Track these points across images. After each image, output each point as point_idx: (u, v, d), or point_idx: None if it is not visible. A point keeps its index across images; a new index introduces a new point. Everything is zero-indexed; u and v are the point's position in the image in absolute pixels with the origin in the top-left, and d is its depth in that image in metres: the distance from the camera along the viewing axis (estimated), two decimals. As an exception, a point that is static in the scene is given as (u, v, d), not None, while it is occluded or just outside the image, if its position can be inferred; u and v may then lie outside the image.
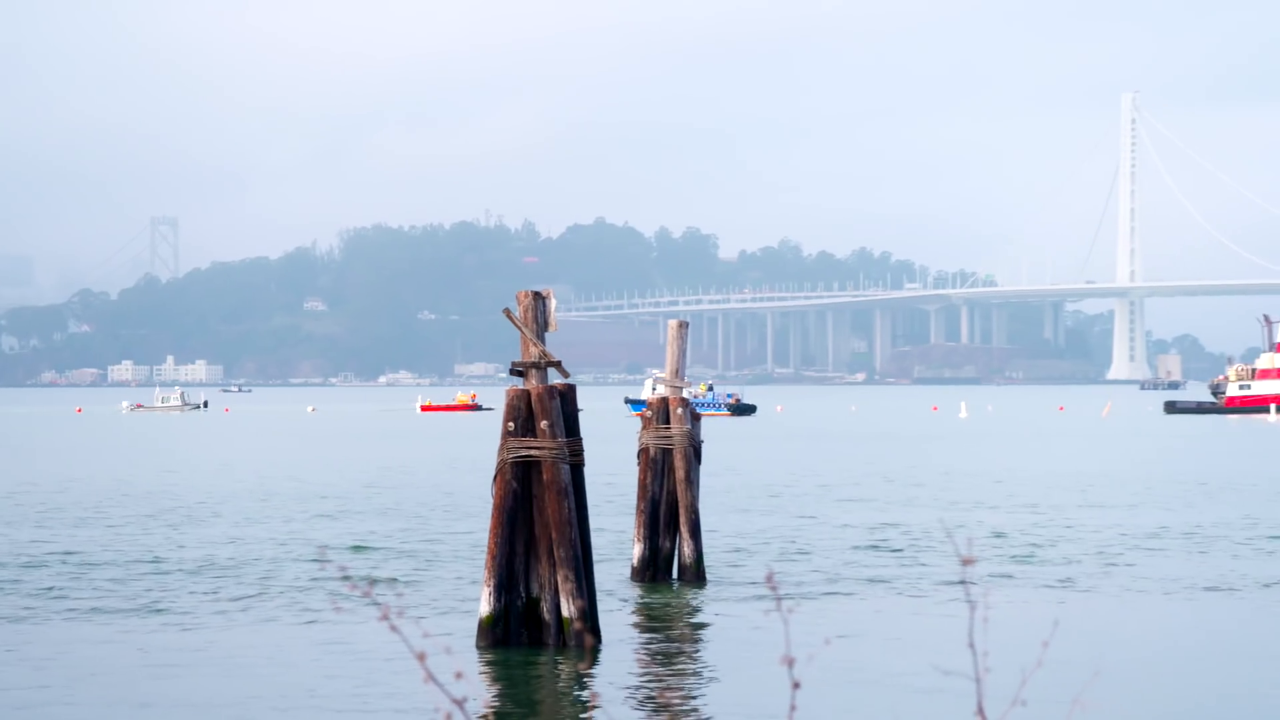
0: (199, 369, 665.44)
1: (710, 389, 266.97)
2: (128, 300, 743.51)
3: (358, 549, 60.83)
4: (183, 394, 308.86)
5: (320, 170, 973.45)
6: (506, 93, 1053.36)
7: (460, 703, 9.86)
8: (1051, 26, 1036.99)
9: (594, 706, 32.47)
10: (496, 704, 32.52)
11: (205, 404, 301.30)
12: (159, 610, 45.23)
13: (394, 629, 10.16)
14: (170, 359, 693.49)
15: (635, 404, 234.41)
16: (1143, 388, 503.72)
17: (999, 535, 65.80)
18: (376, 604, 10.34)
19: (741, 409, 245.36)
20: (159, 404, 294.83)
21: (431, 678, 9.80)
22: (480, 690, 33.25)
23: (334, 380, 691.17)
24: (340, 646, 38.90)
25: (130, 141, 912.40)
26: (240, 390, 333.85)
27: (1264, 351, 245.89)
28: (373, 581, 48.61)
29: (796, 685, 9.76)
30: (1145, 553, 60.56)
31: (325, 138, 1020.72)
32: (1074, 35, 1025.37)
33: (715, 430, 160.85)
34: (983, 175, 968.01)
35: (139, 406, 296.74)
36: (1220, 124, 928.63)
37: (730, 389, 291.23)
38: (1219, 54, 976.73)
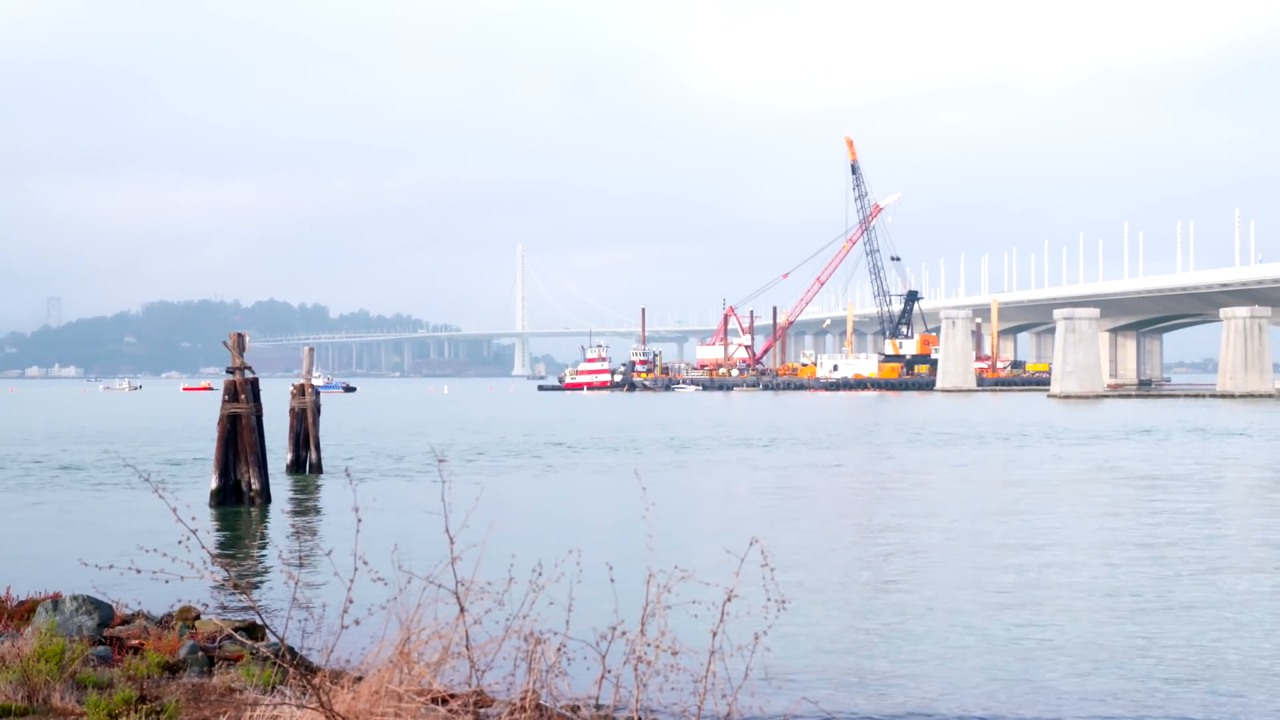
0: (70, 370, 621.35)
1: (333, 379, 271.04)
2: (38, 336, 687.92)
3: (148, 459, 57.05)
4: (129, 382, 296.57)
5: (130, 275, 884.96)
6: (218, 228, 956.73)
7: (194, 530, 9.32)
8: (488, 204, 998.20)
9: (263, 530, 31.26)
10: (217, 530, 30.98)
11: (140, 386, 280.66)
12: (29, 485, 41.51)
13: (160, 497, 9.55)
14: (56, 365, 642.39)
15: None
16: (528, 380, 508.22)
17: (465, 448, 65.82)
18: (151, 485, 9.66)
19: (349, 389, 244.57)
20: (117, 387, 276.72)
21: (180, 520, 9.25)
22: (208, 525, 31.62)
23: (139, 377, 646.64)
24: (129, 508, 36.43)
25: (29, 241, 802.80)
26: (98, 380, 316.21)
27: (582, 362, 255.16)
28: (150, 473, 45.58)
29: (359, 520, 9.56)
30: (532, 453, 61.43)
31: (132, 255, 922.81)
32: (489, 209, 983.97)
33: (335, 399, 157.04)
34: (459, 277, 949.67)
35: (108, 388, 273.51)
36: (569, 259, 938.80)
37: (342, 380, 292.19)
38: (565, 220, 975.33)
